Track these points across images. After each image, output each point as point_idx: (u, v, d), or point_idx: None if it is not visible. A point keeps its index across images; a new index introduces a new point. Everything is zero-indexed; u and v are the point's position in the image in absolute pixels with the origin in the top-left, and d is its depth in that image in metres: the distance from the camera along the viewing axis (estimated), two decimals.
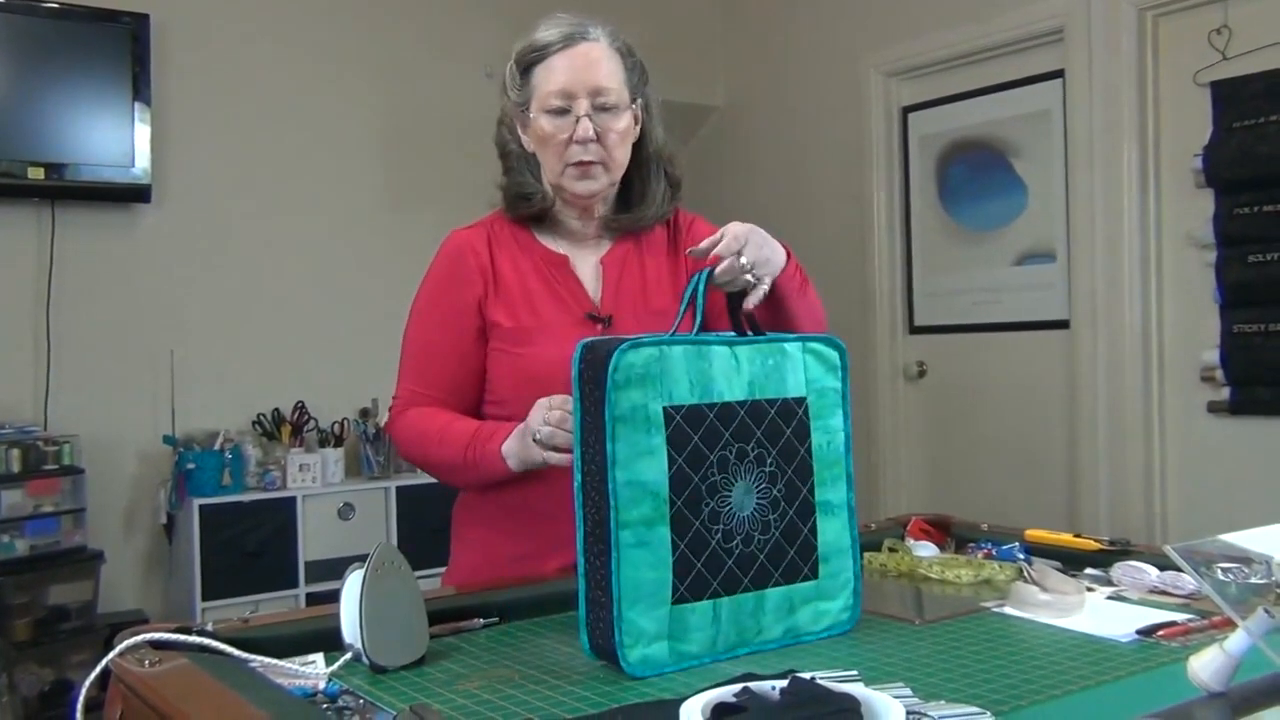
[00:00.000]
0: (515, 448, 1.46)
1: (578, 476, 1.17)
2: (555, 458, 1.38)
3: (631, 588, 1.14)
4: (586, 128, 1.54)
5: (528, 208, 1.64)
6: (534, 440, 1.40)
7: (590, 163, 1.57)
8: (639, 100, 1.62)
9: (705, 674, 1.13)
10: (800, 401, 1.27)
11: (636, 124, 1.62)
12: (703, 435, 1.19)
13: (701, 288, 1.29)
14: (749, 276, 1.36)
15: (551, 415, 1.38)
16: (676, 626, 1.16)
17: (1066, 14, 3.71)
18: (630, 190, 1.67)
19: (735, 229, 1.38)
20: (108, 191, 3.65)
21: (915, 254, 4.35)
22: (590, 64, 1.55)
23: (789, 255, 1.49)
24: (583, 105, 1.54)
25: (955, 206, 4.21)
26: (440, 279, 1.65)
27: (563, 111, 1.55)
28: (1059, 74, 3.79)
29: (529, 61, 1.58)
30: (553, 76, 1.55)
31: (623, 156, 1.61)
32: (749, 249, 1.37)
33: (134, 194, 3.68)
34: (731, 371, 1.23)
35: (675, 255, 1.71)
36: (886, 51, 4.32)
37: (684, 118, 4.76)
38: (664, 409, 1.17)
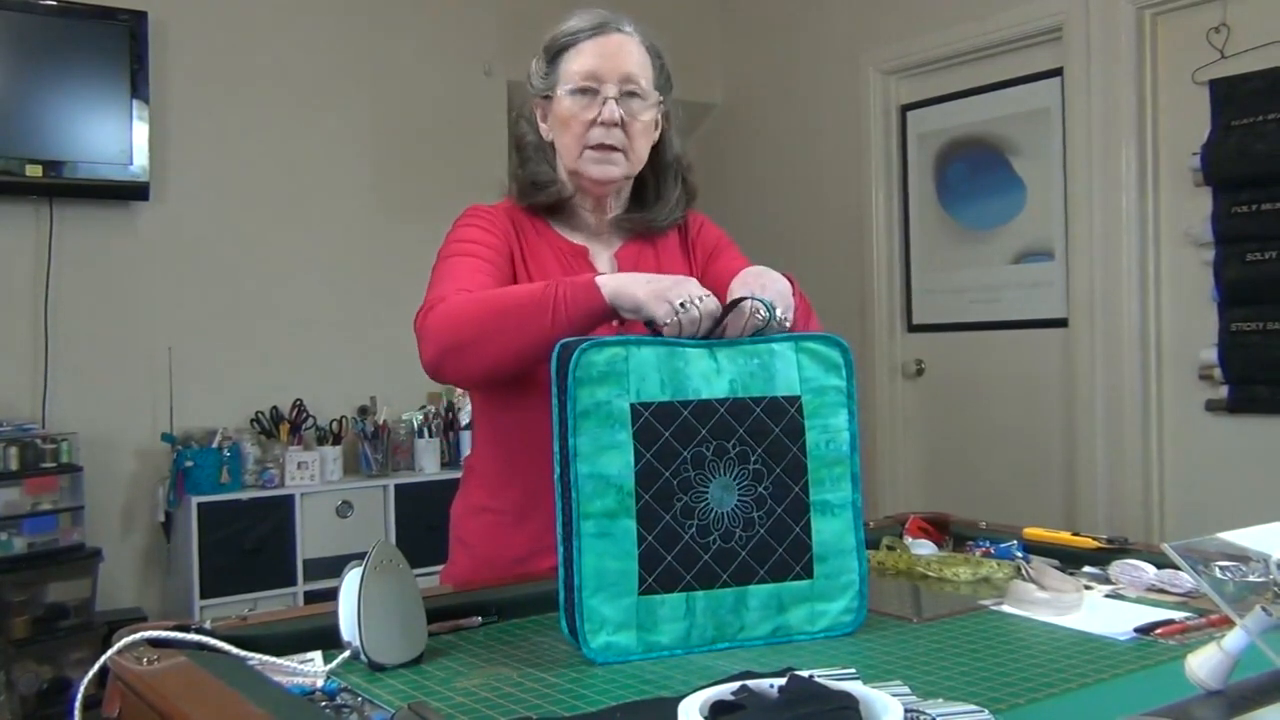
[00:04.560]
0: (619, 282, 1.34)
1: (556, 468, 1.21)
2: (665, 317, 1.27)
3: (593, 576, 1.18)
4: (613, 110, 1.53)
5: (543, 196, 1.62)
6: (671, 304, 1.28)
7: (611, 147, 1.56)
8: (664, 102, 1.61)
9: (694, 670, 1.13)
10: (793, 400, 1.27)
11: (658, 127, 1.62)
12: (675, 432, 1.21)
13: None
14: (765, 313, 1.32)
15: (696, 300, 1.29)
16: (645, 617, 1.19)
17: (1065, 12, 3.71)
18: (645, 192, 1.66)
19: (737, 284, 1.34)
20: (106, 189, 3.64)
21: (913, 252, 4.35)
22: (622, 52, 1.55)
23: (793, 285, 1.48)
24: (611, 89, 1.54)
25: (954, 204, 4.21)
26: (478, 222, 1.59)
27: (589, 92, 1.55)
28: (1057, 72, 3.79)
29: (559, 48, 1.57)
30: (581, 59, 1.55)
31: (643, 150, 1.60)
32: (757, 290, 1.33)
33: (132, 191, 3.68)
34: (710, 371, 1.24)
35: (688, 258, 1.71)
36: (885, 49, 4.32)
37: (682, 115, 4.76)
38: (631, 405, 1.20)
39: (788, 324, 1.35)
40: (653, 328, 1.30)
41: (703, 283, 1.36)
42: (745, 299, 1.31)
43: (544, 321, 1.35)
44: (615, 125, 1.54)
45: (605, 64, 1.54)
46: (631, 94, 1.55)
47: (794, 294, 1.46)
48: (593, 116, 1.54)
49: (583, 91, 1.55)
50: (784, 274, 1.46)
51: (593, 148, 1.56)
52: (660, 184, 1.67)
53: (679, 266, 1.68)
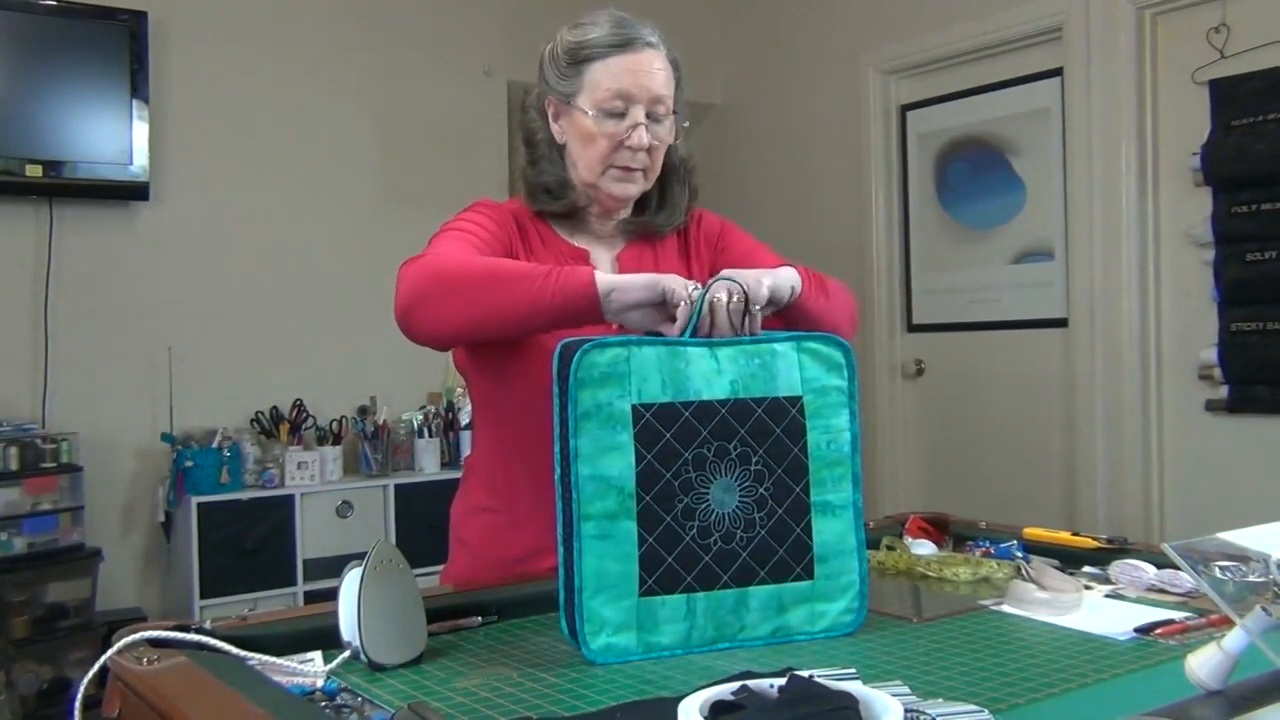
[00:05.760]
0: (617, 279, 1.34)
1: (557, 469, 1.21)
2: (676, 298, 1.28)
3: (594, 578, 1.18)
4: (643, 136, 1.53)
5: (556, 204, 1.62)
6: (675, 293, 1.29)
7: (635, 169, 1.56)
8: (679, 112, 1.61)
9: (694, 670, 1.13)
10: (794, 400, 1.27)
11: (677, 137, 1.62)
12: (676, 433, 1.21)
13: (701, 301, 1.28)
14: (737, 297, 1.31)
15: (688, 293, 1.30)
16: (646, 618, 1.19)
17: (1065, 12, 3.71)
18: (650, 195, 1.66)
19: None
20: (106, 189, 3.64)
21: (913, 252, 4.35)
22: (652, 72, 1.54)
23: (796, 269, 1.47)
24: (640, 112, 1.53)
25: (953, 204, 4.21)
26: (484, 210, 1.60)
27: (617, 114, 1.54)
28: (1058, 72, 3.79)
29: (585, 56, 1.55)
30: (612, 77, 1.53)
31: (660, 165, 1.61)
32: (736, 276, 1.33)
33: (132, 191, 3.68)
34: (711, 372, 1.24)
35: (688, 258, 1.71)
36: (885, 49, 4.32)
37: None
38: (633, 406, 1.19)
39: (785, 296, 1.38)
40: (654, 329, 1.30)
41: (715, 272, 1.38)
42: (718, 280, 1.31)
43: (526, 291, 1.33)
44: (643, 150, 1.54)
45: (637, 85, 1.53)
46: (657, 116, 1.55)
47: (800, 276, 1.46)
48: (620, 138, 1.54)
49: (612, 114, 1.53)
50: (785, 261, 1.47)
51: (616, 167, 1.56)
52: (666, 187, 1.66)
53: (677, 269, 1.68)
